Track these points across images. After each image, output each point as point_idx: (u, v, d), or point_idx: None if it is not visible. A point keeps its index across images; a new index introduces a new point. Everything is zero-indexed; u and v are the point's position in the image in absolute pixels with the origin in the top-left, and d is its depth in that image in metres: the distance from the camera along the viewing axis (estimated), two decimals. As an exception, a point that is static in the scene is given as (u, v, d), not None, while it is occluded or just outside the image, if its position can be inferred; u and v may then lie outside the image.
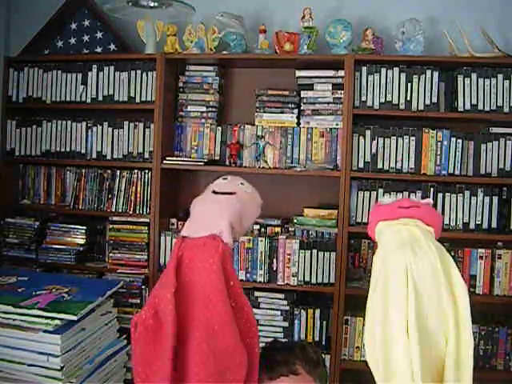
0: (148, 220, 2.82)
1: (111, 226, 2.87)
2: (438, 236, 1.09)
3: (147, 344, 1.05)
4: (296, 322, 2.71)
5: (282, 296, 2.72)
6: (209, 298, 1.01)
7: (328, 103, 2.75)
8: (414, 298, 0.92)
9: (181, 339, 1.02)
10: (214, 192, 1.18)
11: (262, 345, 1.41)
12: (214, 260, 1.04)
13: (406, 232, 1.01)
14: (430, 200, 1.18)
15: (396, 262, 0.96)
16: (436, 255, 0.97)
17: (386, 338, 0.93)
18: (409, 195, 2.64)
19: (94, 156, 2.93)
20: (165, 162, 2.79)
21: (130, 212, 2.87)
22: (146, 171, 2.86)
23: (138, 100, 2.84)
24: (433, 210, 1.16)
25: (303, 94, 2.78)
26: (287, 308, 2.71)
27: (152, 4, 2.53)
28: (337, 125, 2.73)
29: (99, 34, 2.95)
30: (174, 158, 2.82)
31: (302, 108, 2.78)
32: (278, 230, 2.83)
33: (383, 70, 2.65)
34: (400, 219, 1.05)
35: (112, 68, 2.87)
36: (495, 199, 2.61)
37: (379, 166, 2.67)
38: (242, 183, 1.24)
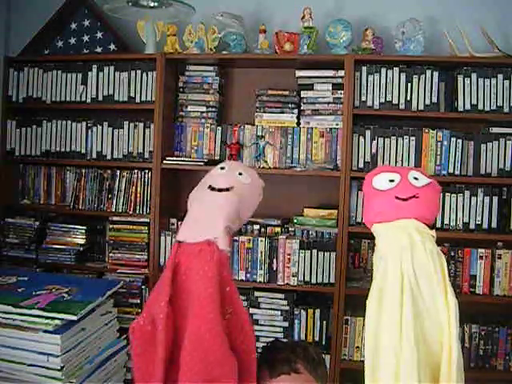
0: (148, 220, 2.82)
1: (111, 226, 2.87)
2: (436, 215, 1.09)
3: (145, 349, 1.05)
4: (296, 321, 2.71)
5: (281, 296, 2.72)
6: (201, 307, 1.00)
7: (328, 103, 2.75)
8: (410, 304, 0.94)
9: (178, 347, 1.02)
10: (211, 188, 1.13)
11: (262, 345, 1.41)
12: (208, 267, 1.02)
13: (405, 239, 0.98)
14: (428, 180, 1.07)
15: (394, 273, 0.97)
16: (431, 262, 0.97)
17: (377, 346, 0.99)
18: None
19: (94, 156, 2.93)
20: (165, 162, 2.79)
21: (130, 212, 2.87)
22: (146, 171, 2.86)
23: (138, 100, 2.84)
24: (432, 194, 1.08)
25: (303, 94, 2.78)
26: (287, 308, 2.71)
27: (152, 4, 2.53)
28: (337, 125, 2.73)
29: (99, 34, 2.95)
30: (174, 158, 2.82)
31: (302, 108, 2.79)
32: (278, 230, 2.83)
33: (383, 70, 2.65)
34: (399, 220, 1.01)
35: (112, 68, 2.87)
36: (495, 199, 2.61)
37: (379, 165, 2.66)
38: (240, 173, 1.17)
